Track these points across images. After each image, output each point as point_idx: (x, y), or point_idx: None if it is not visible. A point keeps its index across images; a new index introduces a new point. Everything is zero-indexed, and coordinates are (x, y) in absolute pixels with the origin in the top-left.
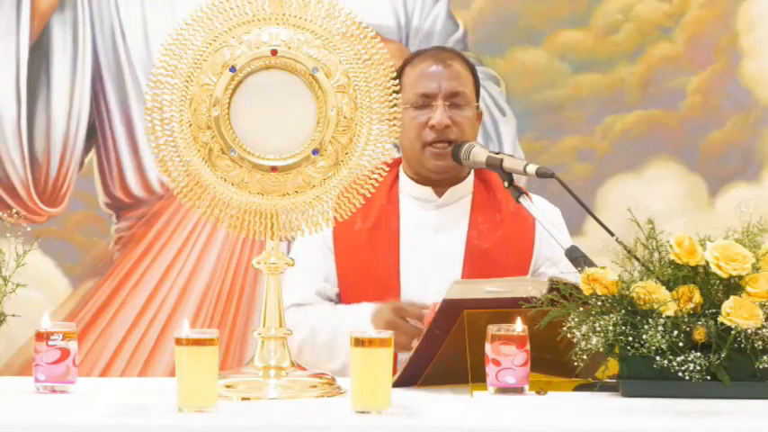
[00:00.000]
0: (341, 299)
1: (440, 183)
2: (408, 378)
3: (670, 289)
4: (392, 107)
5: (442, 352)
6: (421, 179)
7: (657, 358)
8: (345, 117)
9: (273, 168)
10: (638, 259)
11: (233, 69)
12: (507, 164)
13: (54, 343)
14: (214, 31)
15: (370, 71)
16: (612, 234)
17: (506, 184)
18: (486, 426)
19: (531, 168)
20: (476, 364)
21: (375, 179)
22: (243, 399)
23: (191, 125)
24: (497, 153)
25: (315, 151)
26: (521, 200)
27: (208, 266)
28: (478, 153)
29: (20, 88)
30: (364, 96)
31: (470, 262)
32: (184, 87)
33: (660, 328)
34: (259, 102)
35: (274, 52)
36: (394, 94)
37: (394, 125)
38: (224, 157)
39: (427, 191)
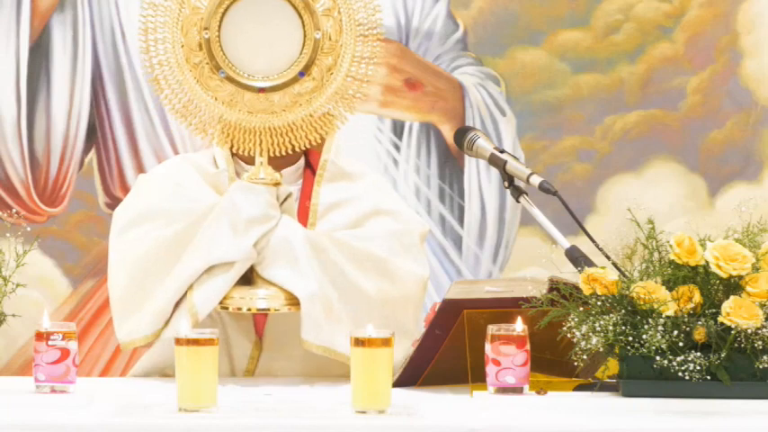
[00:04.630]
0: None
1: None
2: (408, 378)
3: (670, 289)
4: (375, 29)
5: (442, 352)
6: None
7: (657, 358)
8: (330, 39)
9: (261, 89)
10: (624, 275)
11: None
12: (511, 168)
13: (54, 343)
14: None
15: None
16: (604, 252)
17: (506, 183)
18: (486, 426)
19: (535, 180)
20: (476, 364)
21: (359, 98)
22: None
23: (183, 46)
24: (501, 152)
25: (301, 73)
26: (521, 200)
27: None
28: (483, 147)
29: (20, 88)
30: (349, 19)
31: None
32: (177, 9)
33: (660, 328)
34: (248, 24)
35: None
36: (377, 15)
37: (377, 46)
38: (214, 77)
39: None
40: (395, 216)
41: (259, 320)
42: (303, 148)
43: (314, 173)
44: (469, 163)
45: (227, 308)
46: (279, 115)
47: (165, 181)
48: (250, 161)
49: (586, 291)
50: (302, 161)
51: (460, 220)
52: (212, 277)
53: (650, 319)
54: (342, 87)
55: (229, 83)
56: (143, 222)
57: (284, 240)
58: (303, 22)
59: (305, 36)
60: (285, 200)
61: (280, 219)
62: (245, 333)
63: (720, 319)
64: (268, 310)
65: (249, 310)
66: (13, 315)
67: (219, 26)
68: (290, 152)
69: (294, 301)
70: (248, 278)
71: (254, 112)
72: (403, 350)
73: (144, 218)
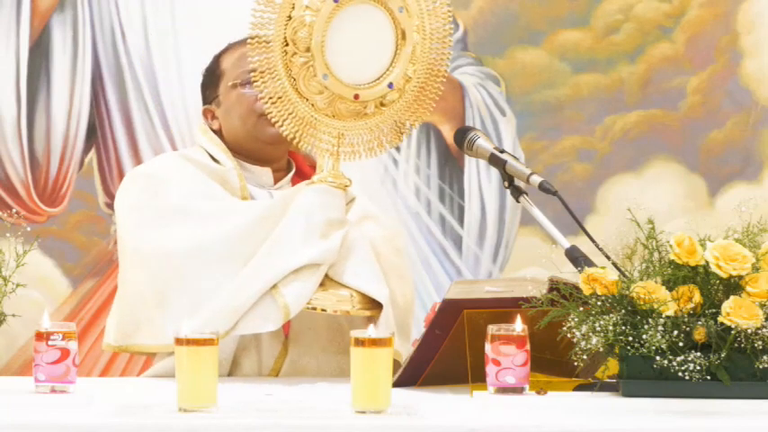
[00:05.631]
0: None
1: (274, 158)
2: (408, 378)
3: (670, 289)
4: (445, 39)
5: (442, 352)
6: (256, 157)
7: (657, 358)
8: (416, 56)
9: (356, 96)
10: (624, 275)
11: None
12: (511, 168)
13: (54, 343)
14: None
15: (433, 16)
16: (604, 252)
17: (506, 183)
18: (486, 426)
19: (535, 180)
20: (476, 364)
21: (428, 108)
22: None
23: (287, 44)
24: (501, 152)
25: (390, 84)
26: (521, 200)
27: None
28: (483, 147)
29: (20, 88)
30: (427, 39)
31: None
32: (288, 8)
33: (660, 328)
34: (352, 32)
35: None
36: (448, 26)
37: (447, 55)
38: (315, 80)
39: (267, 172)
40: (378, 220)
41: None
42: (368, 157)
43: (303, 180)
44: (469, 163)
45: (325, 309)
46: (358, 122)
47: (173, 177)
48: (253, 161)
49: (586, 291)
50: (294, 170)
51: (460, 220)
52: (300, 277)
53: (650, 319)
54: (416, 99)
55: (329, 87)
56: (171, 221)
57: (356, 244)
58: (396, 36)
59: (397, 49)
60: (347, 204)
61: (349, 223)
62: (276, 333)
63: (720, 319)
64: (348, 312)
65: (336, 311)
66: (13, 315)
67: (326, 30)
68: (358, 158)
69: (367, 305)
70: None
71: (338, 117)
72: (405, 351)
73: (170, 216)
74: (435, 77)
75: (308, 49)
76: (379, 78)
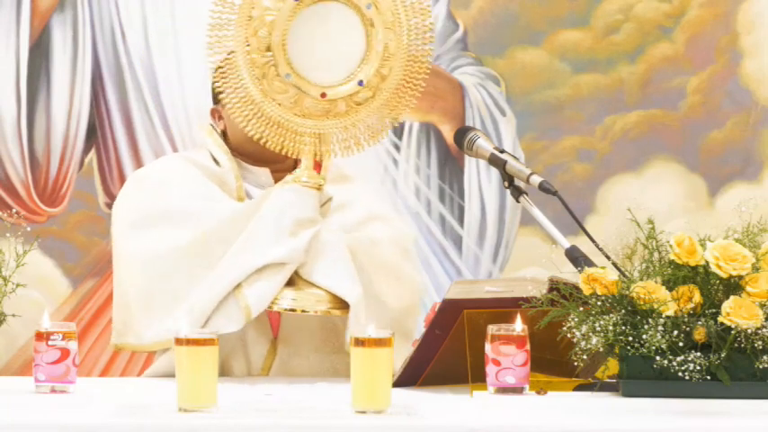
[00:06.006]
0: None
1: (277, 159)
2: (408, 378)
3: (670, 289)
4: (425, 45)
5: (442, 352)
6: (259, 158)
7: (657, 358)
8: (389, 53)
9: (323, 95)
10: (624, 275)
11: None
12: (511, 168)
13: (54, 343)
14: None
15: (411, 11)
16: (604, 252)
17: (506, 183)
18: (486, 426)
19: (535, 180)
20: (476, 364)
21: (407, 107)
22: None
23: (249, 45)
24: (501, 152)
25: (360, 82)
26: (521, 200)
27: None
28: (483, 147)
29: (20, 88)
30: (404, 35)
31: None
32: (248, 8)
33: (660, 328)
34: (316, 31)
35: None
36: (429, 20)
37: (428, 50)
38: (278, 79)
39: (265, 172)
40: (387, 221)
41: (274, 320)
42: (344, 156)
43: None
44: (469, 163)
45: (306, 310)
46: (331, 121)
47: (173, 180)
48: (253, 161)
49: (586, 291)
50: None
51: (460, 220)
52: (264, 276)
53: (650, 319)
54: (392, 98)
55: (293, 86)
56: (161, 223)
57: (329, 244)
58: (367, 34)
59: (367, 47)
60: (323, 204)
61: (322, 223)
62: (264, 333)
63: (720, 319)
64: (329, 312)
65: (316, 312)
66: (13, 315)
67: (288, 29)
68: (335, 157)
69: (338, 305)
70: (289, 280)
71: (307, 116)
72: (403, 356)
73: (161, 218)
74: (416, 74)
75: (269, 48)
76: (348, 76)
